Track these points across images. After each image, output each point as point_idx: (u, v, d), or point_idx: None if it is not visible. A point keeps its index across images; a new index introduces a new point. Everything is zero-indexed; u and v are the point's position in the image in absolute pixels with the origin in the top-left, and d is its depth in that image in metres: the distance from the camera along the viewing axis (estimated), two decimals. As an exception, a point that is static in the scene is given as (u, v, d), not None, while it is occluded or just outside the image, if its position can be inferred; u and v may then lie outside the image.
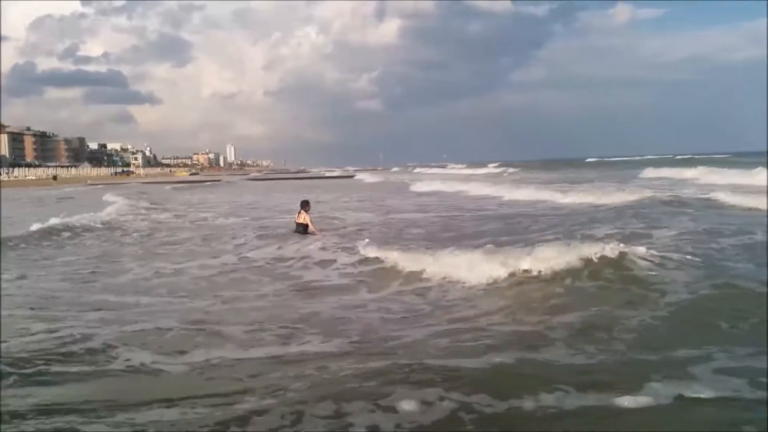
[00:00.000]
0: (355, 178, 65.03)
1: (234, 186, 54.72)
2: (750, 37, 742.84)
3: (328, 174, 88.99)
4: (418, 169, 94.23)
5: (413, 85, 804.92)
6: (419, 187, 37.65)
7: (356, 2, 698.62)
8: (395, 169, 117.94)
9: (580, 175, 49.77)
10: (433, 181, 39.86)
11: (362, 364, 4.79)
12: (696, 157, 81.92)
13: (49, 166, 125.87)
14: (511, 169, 70.85)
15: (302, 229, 12.99)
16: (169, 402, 4.20)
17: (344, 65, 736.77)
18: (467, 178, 46.02)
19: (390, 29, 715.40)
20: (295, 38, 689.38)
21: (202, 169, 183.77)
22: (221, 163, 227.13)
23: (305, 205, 13.30)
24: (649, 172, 43.24)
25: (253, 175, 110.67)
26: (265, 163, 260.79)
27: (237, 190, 45.31)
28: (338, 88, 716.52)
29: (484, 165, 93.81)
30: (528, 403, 4.00)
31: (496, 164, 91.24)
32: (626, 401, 3.94)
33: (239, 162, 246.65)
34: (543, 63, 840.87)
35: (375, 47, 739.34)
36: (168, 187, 49.93)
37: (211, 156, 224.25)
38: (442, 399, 4.07)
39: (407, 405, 4.03)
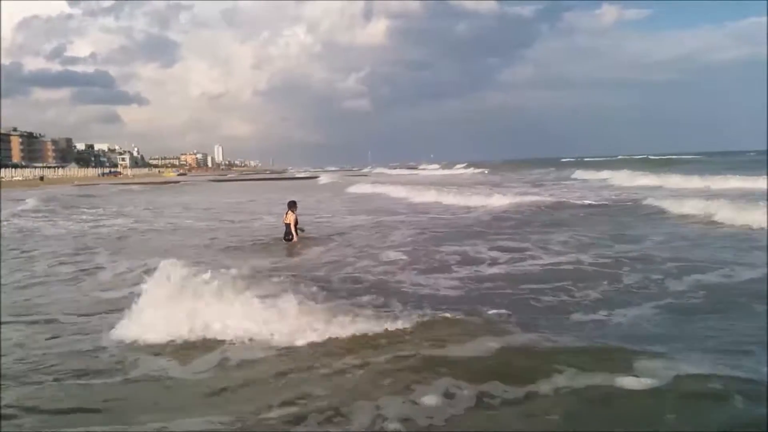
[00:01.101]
0: (317, 179, 67.16)
1: (188, 188, 56.34)
2: (735, 36, 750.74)
3: (298, 175, 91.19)
4: (385, 170, 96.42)
5: (401, 85, 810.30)
6: (354, 189, 39.99)
7: (344, 2, 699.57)
8: (366, 170, 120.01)
9: (523, 176, 52.62)
10: (370, 184, 42.07)
11: (366, 359, 5.11)
12: (672, 157, 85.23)
13: (36, 167, 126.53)
14: (471, 170, 73.42)
15: (289, 231, 12.81)
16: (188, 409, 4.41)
17: (332, 65, 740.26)
18: (408, 181, 48.14)
19: (378, 29, 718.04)
20: (283, 38, 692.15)
21: (190, 170, 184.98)
22: (209, 164, 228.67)
23: (292, 205, 13.04)
24: (579, 174, 46.09)
25: (229, 176, 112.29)
26: (253, 164, 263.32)
27: (178, 193, 47.01)
28: (326, 87, 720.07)
29: (455, 165, 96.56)
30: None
31: (464, 165, 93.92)
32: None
33: (227, 162, 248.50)
34: (530, 63, 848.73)
35: (363, 47, 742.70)
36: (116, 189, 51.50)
37: (199, 156, 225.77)
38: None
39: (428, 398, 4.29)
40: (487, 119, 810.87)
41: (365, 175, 78.67)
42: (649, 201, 17.76)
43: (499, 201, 21.86)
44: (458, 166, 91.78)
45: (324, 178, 64.41)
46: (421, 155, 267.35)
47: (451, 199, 25.10)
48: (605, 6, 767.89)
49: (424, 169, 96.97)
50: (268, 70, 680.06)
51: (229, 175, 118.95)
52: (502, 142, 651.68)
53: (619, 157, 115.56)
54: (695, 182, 29.37)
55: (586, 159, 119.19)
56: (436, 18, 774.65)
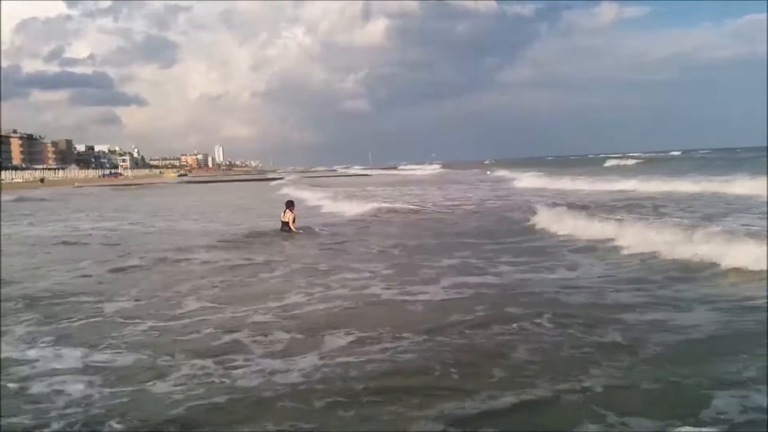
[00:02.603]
0: (280, 179, 68.63)
1: (155, 190, 57.62)
2: (733, 35, 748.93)
3: (270, 176, 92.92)
4: (357, 169, 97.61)
5: (400, 85, 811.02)
6: (284, 190, 41.21)
7: (343, 3, 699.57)
8: (340, 170, 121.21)
9: (468, 176, 53.52)
10: (294, 186, 43.20)
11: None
12: (657, 155, 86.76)
13: (36, 169, 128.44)
14: (432, 170, 74.42)
15: (287, 228, 14.62)
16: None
17: (331, 66, 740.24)
18: (349, 183, 49.19)
19: (376, 29, 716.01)
20: (281, 39, 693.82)
21: (190, 170, 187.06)
22: (210, 164, 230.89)
23: (290, 205, 15.00)
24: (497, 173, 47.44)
25: (217, 176, 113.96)
26: (253, 164, 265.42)
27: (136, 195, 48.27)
28: (325, 88, 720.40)
29: (426, 165, 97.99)
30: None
31: (440, 164, 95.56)
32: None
33: (228, 163, 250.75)
34: (529, 63, 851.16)
35: (362, 48, 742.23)
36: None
37: (200, 157, 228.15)
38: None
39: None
40: (487, 119, 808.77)
41: (341, 175, 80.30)
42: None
43: (360, 209, 21.79)
44: (433, 166, 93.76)
45: (286, 179, 65.92)
46: (422, 155, 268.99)
47: (330, 205, 25.78)
48: (604, 4, 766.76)
49: (402, 169, 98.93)
50: (267, 71, 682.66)
51: (217, 176, 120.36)
52: (502, 141, 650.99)
53: (600, 155, 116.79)
54: (597, 185, 29.76)
55: (571, 157, 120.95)
56: (435, 18, 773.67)
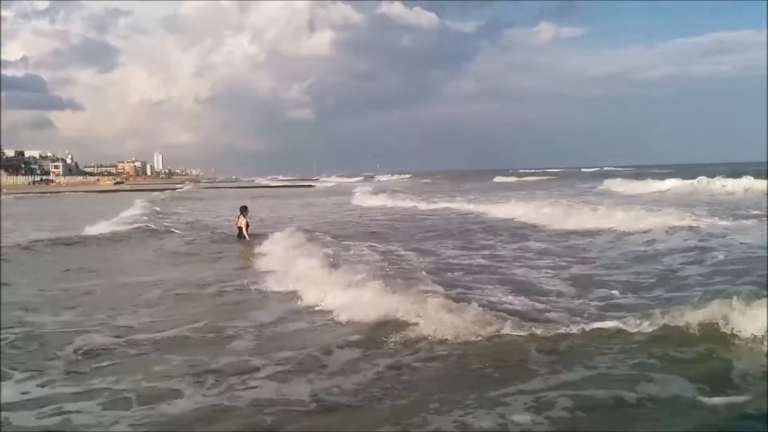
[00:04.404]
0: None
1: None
2: (662, 55, 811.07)
3: (177, 186, 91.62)
4: (262, 181, 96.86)
5: (347, 95, 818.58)
6: (136, 201, 40.60)
7: (288, 13, 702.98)
8: (263, 181, 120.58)
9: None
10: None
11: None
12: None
13: None
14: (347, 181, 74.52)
15: (242, 233, 14.87)
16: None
17: (276, 74, 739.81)
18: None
19: (322, 40, 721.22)
20: (226, 46, 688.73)
21: (127, 178, 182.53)
22: (148, 172, 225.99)
23: (243, 210, 15.19)
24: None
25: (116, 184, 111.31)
26: (194, 172, 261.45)
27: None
28: (270, 97, 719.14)
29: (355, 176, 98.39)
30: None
31: (362, 177, 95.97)
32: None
33: (167, 171, 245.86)
34: (472, 77, 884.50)
35: (308, 57, 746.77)
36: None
37: (138, 164, 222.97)
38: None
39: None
40: (434, 130, 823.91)
41: (247, 187, 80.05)
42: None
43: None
44: (348, 179, 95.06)
45: (179, 190, 65.32)
46: (368, 165, 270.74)
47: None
48: (543, 24, 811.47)
49: (321, 181, 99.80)
50: (211, 77, 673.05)
51: (135, 184, 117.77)
52: (449, 152, 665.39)
53: (510, 169, 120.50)
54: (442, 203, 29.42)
55: (499, 170, 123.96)
56: (380, 31, 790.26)
